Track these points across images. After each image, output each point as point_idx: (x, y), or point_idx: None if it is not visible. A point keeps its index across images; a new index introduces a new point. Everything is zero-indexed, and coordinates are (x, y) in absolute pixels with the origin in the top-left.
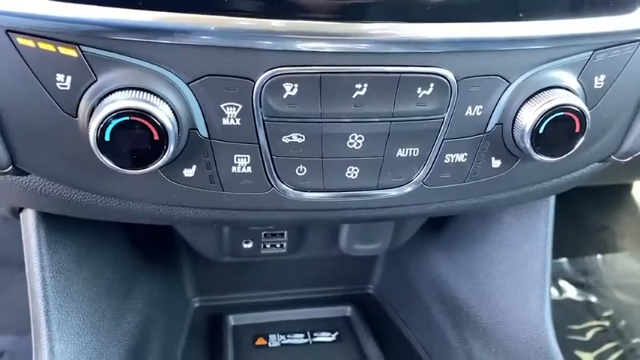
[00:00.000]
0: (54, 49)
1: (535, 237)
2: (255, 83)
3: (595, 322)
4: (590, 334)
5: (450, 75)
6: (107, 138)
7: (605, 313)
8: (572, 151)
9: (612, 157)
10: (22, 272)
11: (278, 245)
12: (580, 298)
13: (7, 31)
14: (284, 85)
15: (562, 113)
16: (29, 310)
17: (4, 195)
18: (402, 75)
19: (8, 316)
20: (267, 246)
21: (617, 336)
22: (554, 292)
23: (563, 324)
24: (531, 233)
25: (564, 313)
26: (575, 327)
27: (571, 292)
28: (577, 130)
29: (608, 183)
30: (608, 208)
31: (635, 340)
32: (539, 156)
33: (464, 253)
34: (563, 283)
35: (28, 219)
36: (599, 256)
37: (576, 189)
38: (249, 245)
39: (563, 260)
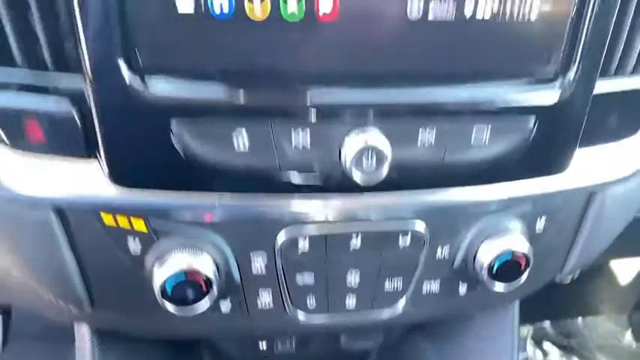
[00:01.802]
0: (128, 226)
1: (505, 332)
2: (276, 244)
3: None
4: None
5: (423, 230)
6: (169, 292)
7: None
8: (521, 281)
9: (558, 275)
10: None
11: (288, 345)
12: None
13: (98, 212)
14: (298, 244)
15: (510, 257)
16: None
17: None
18: (388, 232)
19: None
20: (279, 346)
21: None
22: (539, 355)
23: None
24: (501, 329)
25: None
26: None
27: (554, 354)
28: (522, 267)
29: None
30: (585, 274)
31: None
32: (496, 286)
33: (447, 343)
34: (547, 345)
35: (83, 330)
36: (579, 319)
37: None
38: (265, 347)
39: (546, 324)
